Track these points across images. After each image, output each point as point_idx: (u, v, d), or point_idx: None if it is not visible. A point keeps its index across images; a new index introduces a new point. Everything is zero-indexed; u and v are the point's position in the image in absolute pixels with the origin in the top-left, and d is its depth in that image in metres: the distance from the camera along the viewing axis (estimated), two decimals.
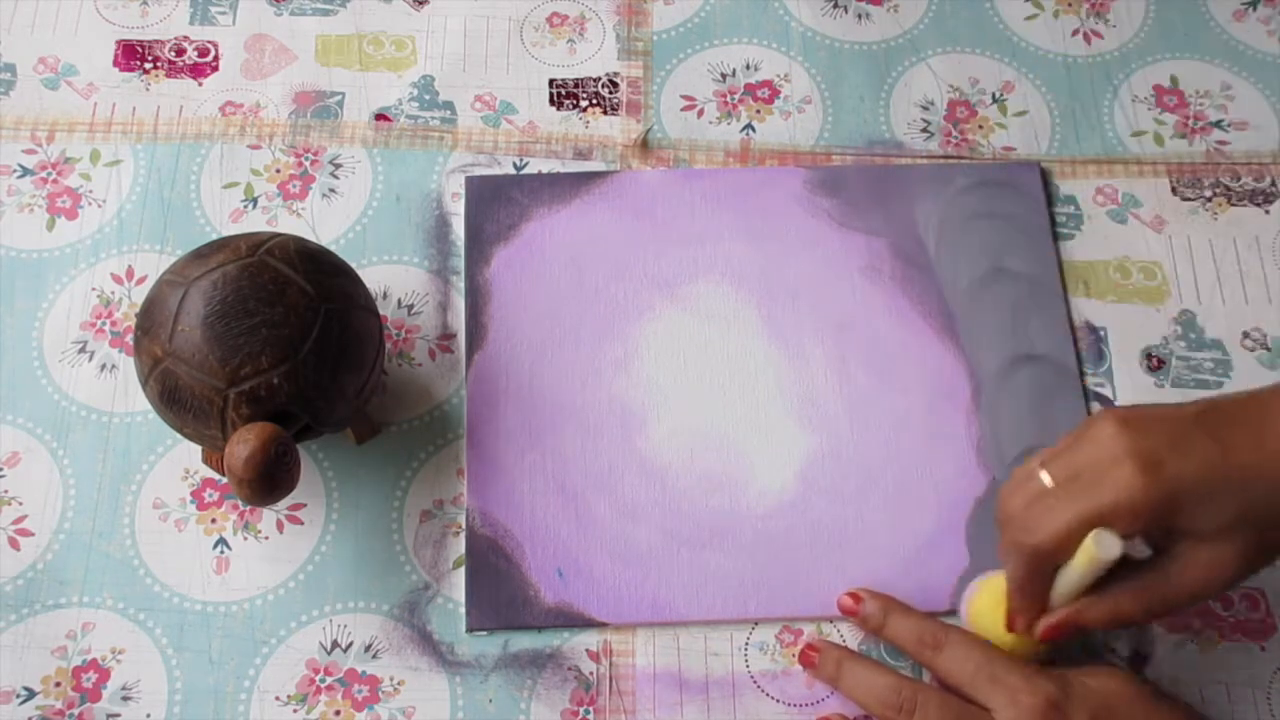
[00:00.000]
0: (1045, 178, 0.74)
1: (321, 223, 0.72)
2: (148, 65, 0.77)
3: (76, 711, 0.60)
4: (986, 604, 0.59)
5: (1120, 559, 0.53)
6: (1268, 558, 0.54)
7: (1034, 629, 0.57)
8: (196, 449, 0.65)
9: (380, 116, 0.75)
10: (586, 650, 0.62)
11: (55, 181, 0.73)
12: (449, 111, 0.76)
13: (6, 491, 0.65)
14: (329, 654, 0.62)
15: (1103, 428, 0.53)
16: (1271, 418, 0.53)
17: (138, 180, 0.73)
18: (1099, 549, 0.52)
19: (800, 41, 0.78)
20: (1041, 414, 0.67)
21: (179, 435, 0.61)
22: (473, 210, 0.72)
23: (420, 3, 0.79)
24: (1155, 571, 0.55)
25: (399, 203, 0.73)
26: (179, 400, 0.58)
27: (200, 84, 0.76)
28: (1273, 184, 0.74)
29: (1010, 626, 0.58)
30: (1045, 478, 0.54)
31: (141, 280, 0.70)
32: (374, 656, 0.62)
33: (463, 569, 0.64)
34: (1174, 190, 0.74)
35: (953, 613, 0.63)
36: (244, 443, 0.55)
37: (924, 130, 0.76)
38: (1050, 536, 0.53)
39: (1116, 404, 0.68)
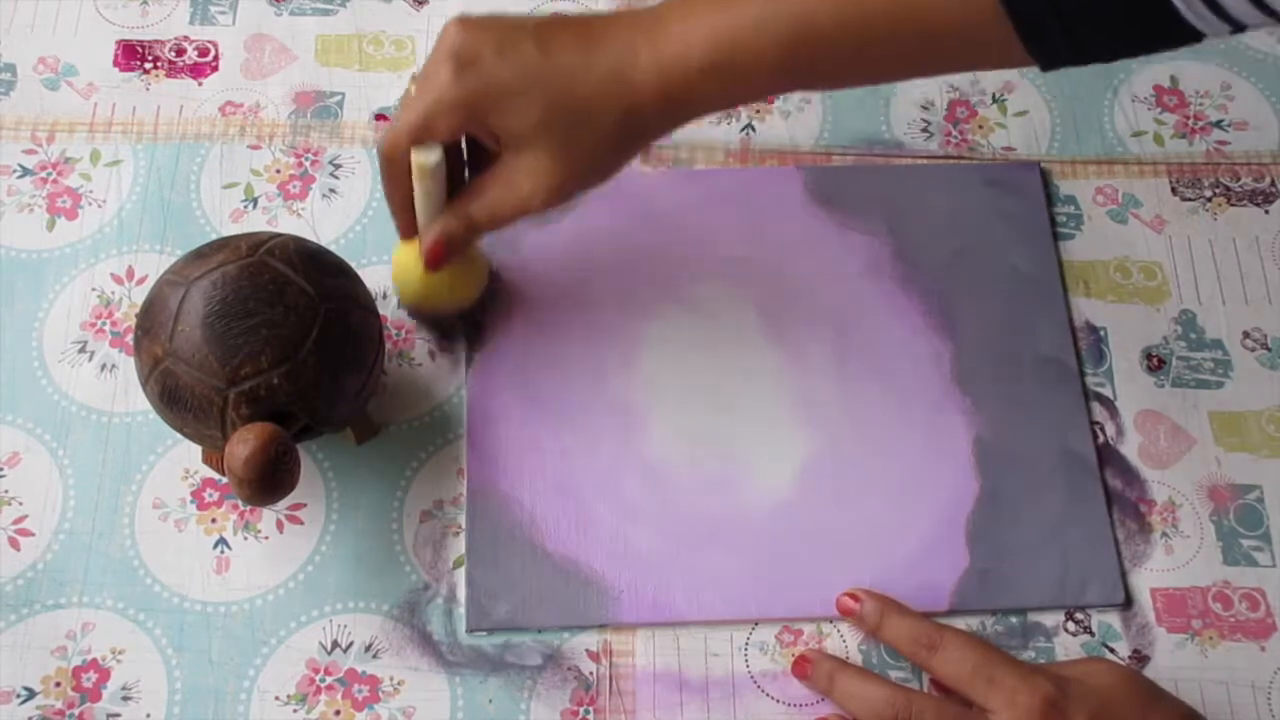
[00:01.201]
0: (1045, 178, 0.74)
1: (321, 223, 0.72)
2: (148, 65, 0.77)
3: (76, 711, 0.60)
4: (403, 255, 0.65)
5: (461, 171, 0.60)
6: (583, 173, 0.58)
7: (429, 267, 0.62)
8: (196, 449, 0.65)
9: (380, 116, 0.75)
10: (586, 650, 0.62)
11: (55, 181, 0.73)
12: None
13: (6, 491, 0.65)
14: (329, 654, 0.62)
15: (443, 31, 0.56)
16: (606, 33, 0.56)
17: (138, 180, 0.73)
18: (417, 154, 0.57)
19: None
20: (1041, 414, 0.67)
21: (179, 435, 0.61)
22: None
23: (420, 3, 0.79)
24: (492, 182, 0.58)
25: None
26: (179, 400, 0.58)
27: (200, 84, 0.76)
28: (1273, 184, 0.74)
29: (401, 236, 0.63)
30: (412, 89, 0.58)
31: (141, 280, 0.70)
32: (374, 656, 0.62)
33: (463, 569, 0.64)
34: (1174, 190, 0.74)
35: (953, 613, 0.63)
36: (244, 443, 0.55)
37: (924, 130, 0.76)
38: (389, 139, 0.57)
39: (1117, 404, 0.68)
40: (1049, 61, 0.53)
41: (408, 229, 0.62)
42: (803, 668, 0.61)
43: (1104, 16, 0.50)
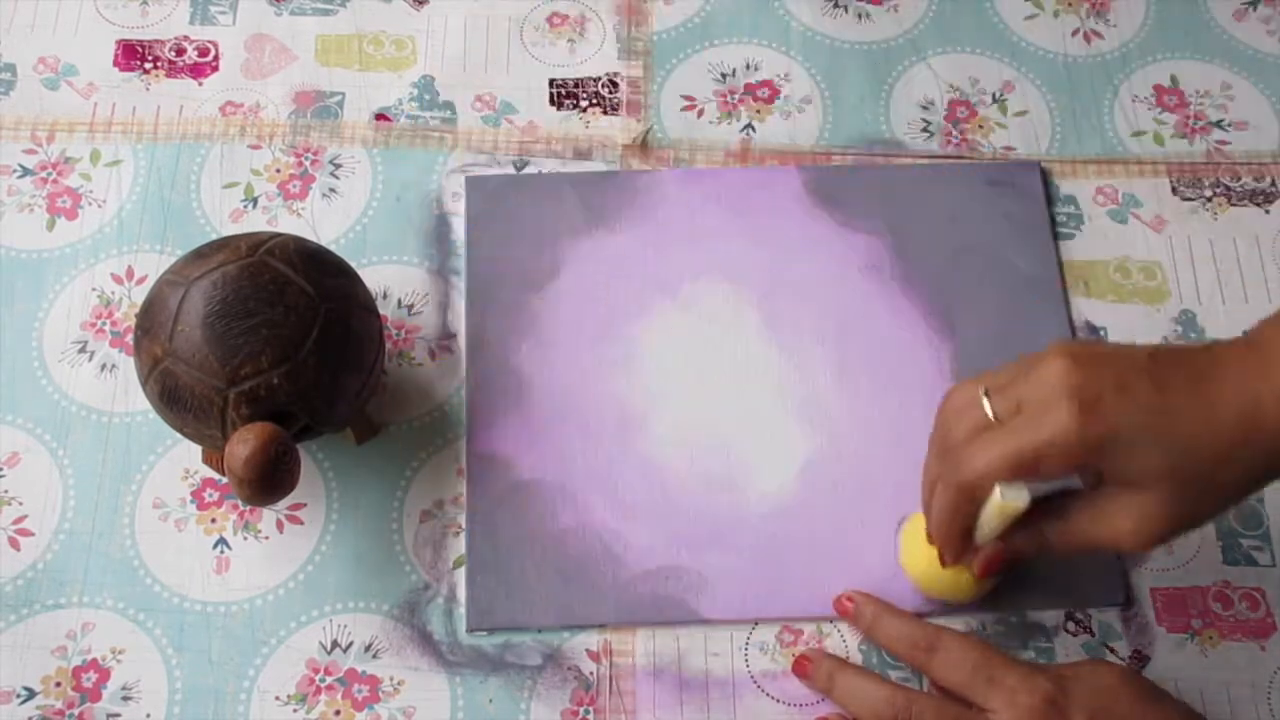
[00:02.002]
0: (1045, 178, 0.74)
1: (321, 223, 0.72)
2: (148, 65, 0.77)
3: (76, 711, 0.60)
4: (918, 542, 0.60)
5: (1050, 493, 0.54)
6: (1195, 520, 0.53)
7: (967, 564, 0.58)
8: (196, 449, 0.65)
9: (380, 116, 0.75)
10: (586, 650, 0.62)
11: (55, 181, 0.73)
12: (449, 111, 0.76)
13: (6, 491, 0.65)
14: (329, 654, 0.62)
15: (1052, 363, 0.52)
16: (1218, 371, 0.51)
17: (138, 180, 0.73)
18: (1004, 499, 0.52)
19: (800, 41, 0.78)
20: None
21: (179, 435, 0.61)
22: (473, 210, 0.72)
23: (420, 3, 0.79)
24: (1082, 510, 0.54)
25: (399, 203, 0.73)
26: (179, 400, 0.58)
27: (200, 84, 0.76)
28: (1273, 184, 0.74)
29: (944, 563, 0.58)
30: (988, 408, 0.53)
31: (141, 280, 0.70)
32: (374, 656, 0.62)
33: (463, 569, 0.64)
34: (1174, 190, 0.74)
35: (951, 614, 0.63)
36: (244, 443, 0.55)
37: (924, 130, 0.76)
38: (976, 474, 0.52)
39: None
40: None
41: (959, 557, 0.58)
42: (803, 667, 0.61)
43: None
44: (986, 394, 0.53)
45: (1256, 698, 0.62)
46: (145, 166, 0.73)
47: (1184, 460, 0.51)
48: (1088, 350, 0.52)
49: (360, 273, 0.64)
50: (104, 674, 0.61)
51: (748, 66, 0.78)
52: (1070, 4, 0.80)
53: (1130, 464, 0.51)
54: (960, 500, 0.54)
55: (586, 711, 0.61)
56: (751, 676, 0.62)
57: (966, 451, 0.53)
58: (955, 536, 0.56)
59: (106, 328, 0.69)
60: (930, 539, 0.59)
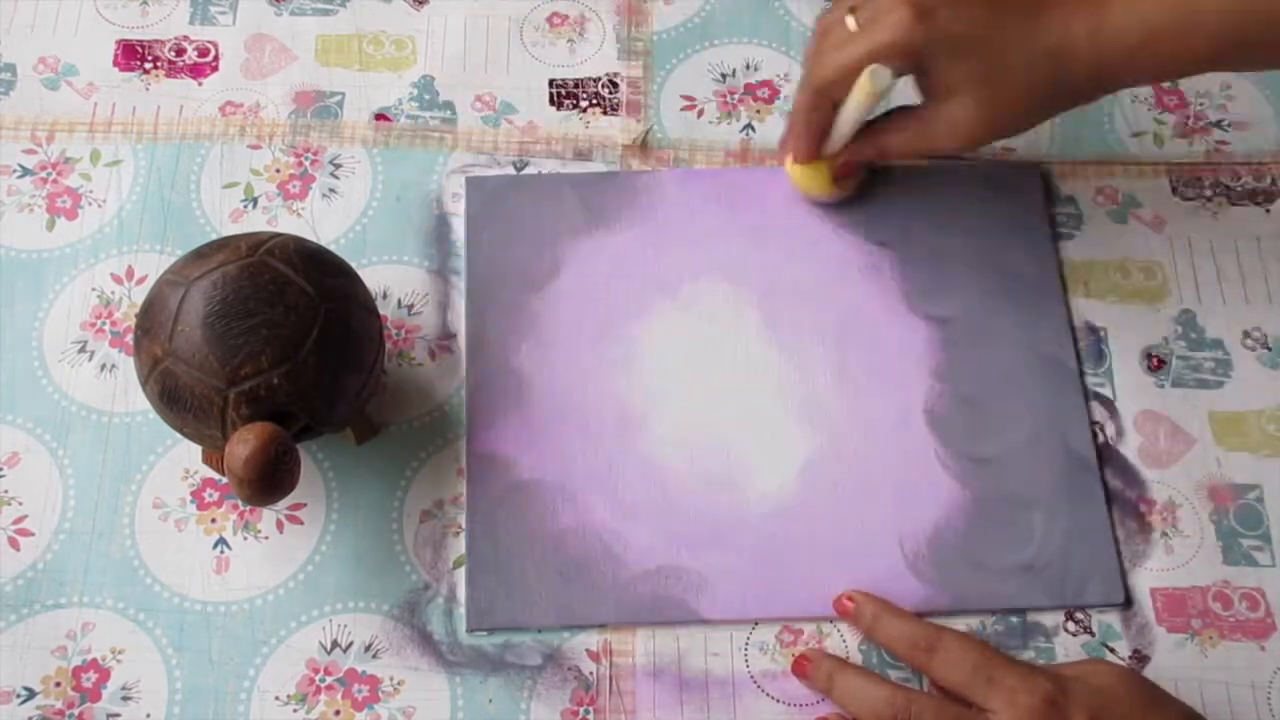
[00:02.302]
0: (1045, 179, 0.74)
1: (321, 223, 0.72)
2: (148, 65, 0.77)
3: (76, 711, 0.60)
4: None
5: (890, 108, 0.64)
6: (1001, 129, 0.63)
7: (827, 164, 0.68)
8: (196, 449, 0.65)
9: (380, 116, 0.75)
10: (586, 650, 0.62)
11: (55, 181, 0.73)
12: (449, 111, 0.76)
13: (6, 491, 0.65)
14: (329, 654, 0.62)
15: None
16: (1052, 5, 0.60)
17: (138, 180, 0.73)
18: (872, 81, 0.61)
19: (800, 41, 0.78)
20: (1041, 414, 0.67)
21: (179, 435, 0.61)
22: (473, 210, 0.72)
23: (420, 3, 0.79)
24: (915, 116, 0.64)
25: (399, 203, 0.73)
26: (179, 400, 0.58)
27: (200, 84, 0.76)
28: (1273, 184, 0.74)
29: (796, 158, 0.68)
30: (851, 22, 0.62)
31: (141, 280, 0.70)
32: (374, 656, 0.62)
33: (463, 569, 0.64)
34: (1174, 190, 0.74)
35: (953, 613, 0.63)
36: (244, 443, 0.55)
37: None
38: (832, 71, 0.62)
39: (1117, 404, 0.68)
40: None
41: (811, 155, 0.67)
42: (803, 667, 0.61)
43: None
44: (852, 10, 0.62)
45: (1256, 698, 0.62)
46: (145, 166, 0.73)
47: (997, 74, 0.60)
48: None
49: (360, 273, 0.64)
50: (104, 674, 0.61)
51: (748, 66, 0.78)
52: None
53: (951, 68, 0.60)
54: (815, 99, 0.64)
55: (586, 711, 0.61)
56: (751, 676, 0.62)
57: (822, 58, 0.63)
58: (809, 135, 0.66)
59: (106, 328, 0.69)
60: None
